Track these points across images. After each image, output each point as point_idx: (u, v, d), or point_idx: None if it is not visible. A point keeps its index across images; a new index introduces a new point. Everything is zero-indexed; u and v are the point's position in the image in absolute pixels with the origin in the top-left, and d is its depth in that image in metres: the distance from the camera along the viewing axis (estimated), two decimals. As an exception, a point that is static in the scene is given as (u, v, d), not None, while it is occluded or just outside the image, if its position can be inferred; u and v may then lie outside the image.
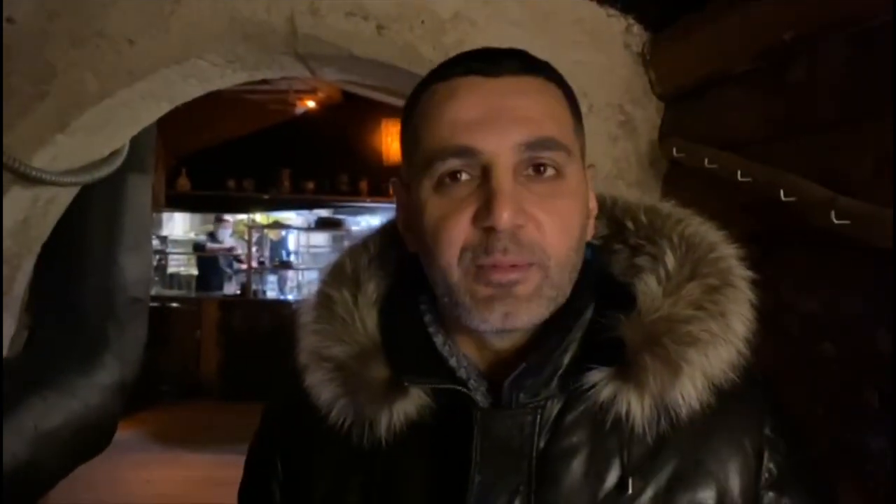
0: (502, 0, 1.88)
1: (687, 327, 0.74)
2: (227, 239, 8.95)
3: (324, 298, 0.85)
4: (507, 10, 1.88)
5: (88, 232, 2.43)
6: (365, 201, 8.93)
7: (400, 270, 0.86)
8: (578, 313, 0.77)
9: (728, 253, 0.80)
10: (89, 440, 2.33)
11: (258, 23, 1.90)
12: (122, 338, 2.48)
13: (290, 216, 9.66)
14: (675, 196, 1.77)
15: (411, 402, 0.77)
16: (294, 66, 2.08)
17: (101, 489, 4.39)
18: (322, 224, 9.34)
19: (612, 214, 0.86)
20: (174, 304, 7.83)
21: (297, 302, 0.89)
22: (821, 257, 1.30)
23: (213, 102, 2.39)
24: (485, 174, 0.71)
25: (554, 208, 0.73)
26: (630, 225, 0.84)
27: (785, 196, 1.24)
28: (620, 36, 1.90)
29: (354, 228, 9.62)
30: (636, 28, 1.89)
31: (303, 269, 9.34)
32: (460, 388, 0.76)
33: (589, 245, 0.81)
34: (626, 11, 1.88)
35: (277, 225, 9.49)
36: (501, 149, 0.71)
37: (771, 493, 0.77)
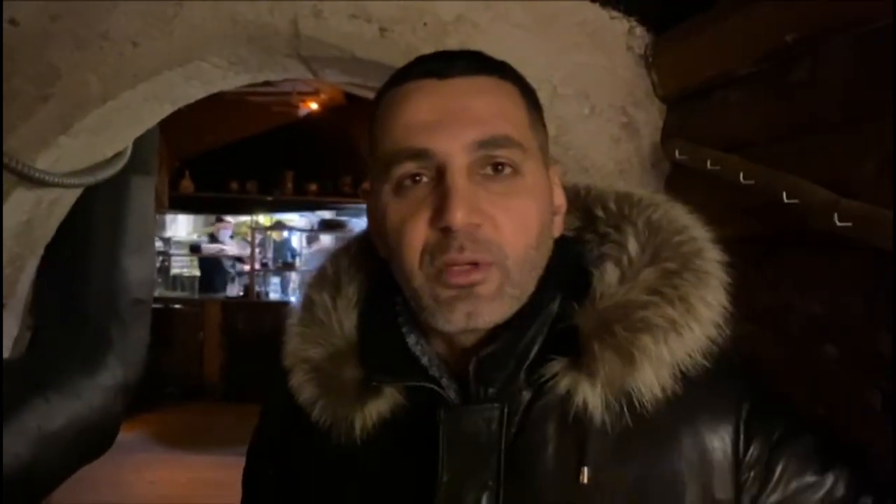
0: (505, 2, 1.88)
1: (641, 313, 0.73)
2: (226, 240, 8.97)
3: (307, 301, 0.87)
4: (509, 13, 1.88)
5: (92, 233, 2.44)
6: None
7: (378, 273, 0.86)
8: (542, 306, 0.77)
9: (697, 235, 0.79)
10: (92, 441, 2.33)
11: (261, 25, 1.91)
12: (125, 339, 2.48)
13: (292, 218, 9.67)
14: (677, 198, 1.77)
15: (385, 402, 0.78)
16: (297, 67, 2.08)
17: (104, 490, 4.39)
18: (325, 226, 9.35)
19: (584, 204, 0.86)
20: (177, 306, 7.85)
21: (292, 304, 0.91)
22: (823, 259, 1.29)
23: (216, 104, 2.40)
24: (439, 175, 0.72)
25: (511, 206, 0.73)
26: (600, 213, 0.84)
27: (787, 198, 1.24)
28: (623, 38, 1.90)
29: (357, 230, 9.62)
30: (638, 30, 1.89)
31: (306, 271, 9.31)
32: (430, 385, 0.76)
33: (563, 238, 0.82)
34: (628, 13, 1.88)
35: (280, 226, 9.51)
36: (454, 149, 0.71)
37: (754, 472, 0.75)
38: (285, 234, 9.65)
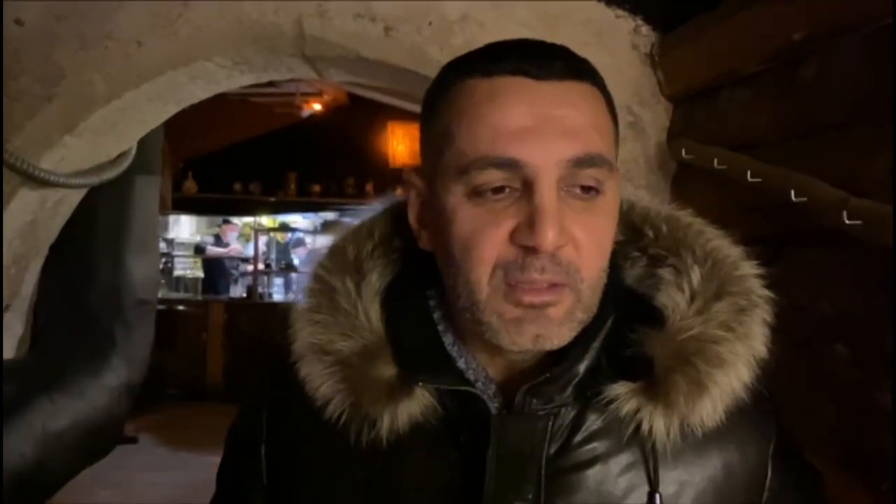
0: (510, 2, 1.88)
1: (717, 348, 0.73)
2: (233, 242, 8.98)
3: (324, 286, 0.81)
4: (515, 12, 1.88)
5: (96, 233, 2.44)
6: (371, 204, 8.92)
7: (404, 261, 0.82)
8: (600, 324, 0.74)
9: (750, 272, 0.78)
10: (96, 441, 2.33)
11: (266, 25, 1.90)
12: (129, 339, 2.48)
13: (296, 219, 9.68)
14: (684, 197, 1.77)
15: (416, 403, 0.75)
16: (301, 67, 2.08)
17: (106, 491, 4.39)
18: (329, 226, 9.35)
19: (628, 220, 0.82)
20: (180, 307, 7.84)
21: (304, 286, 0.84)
22: (832, 258, 1.29)
23: (219, 105, 2.39)
24: (527, 188, 0.67)
25: (592, 228, 0.69)
26: (650, 233, 0.81)
27: (796, 197, 1.23)
28: (628, 37, 1.90)
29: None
30: (644, 29, 1.89)
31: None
32: (474, 390, 0.74)
33: (612, 253, 0.78)
34: (634, 12, 1.88)
35: (286, 228, 9.51)
36: (547, 163, 0.66)
37: None
38: (289, 235, 9.66)
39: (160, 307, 4.02)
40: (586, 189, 0.68)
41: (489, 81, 0.70)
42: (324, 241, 0.88)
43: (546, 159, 0.66)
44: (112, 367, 2.40)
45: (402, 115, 7.82)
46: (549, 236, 0.65)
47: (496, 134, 0.67)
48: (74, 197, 2.26)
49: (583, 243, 0.68)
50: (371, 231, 0.84)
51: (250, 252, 9.00)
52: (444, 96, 0.73)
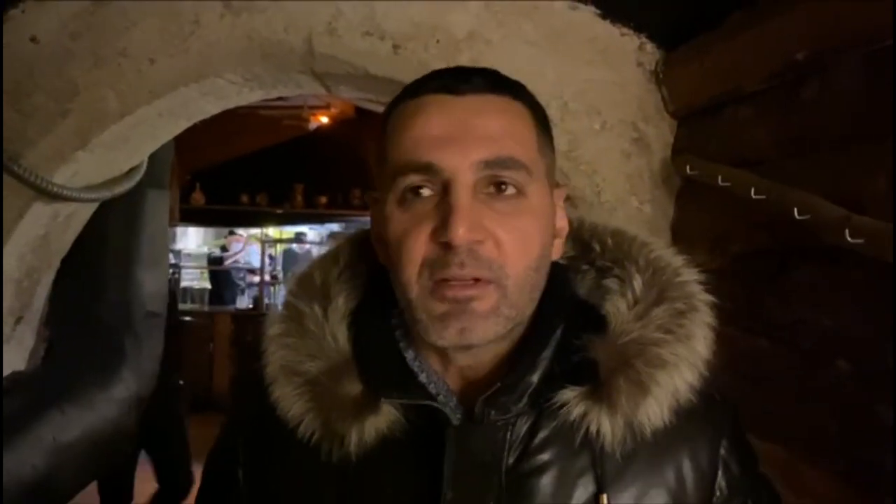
0: (516, 19, 1.91)
1: (657, 350, 0.76)
2: (237, 251, 9.01)
3: (293, 312, 0.85)
4: (521, 30, 1.90)
5: (107, 247, 2.46)
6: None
7: (370, 283, 0.86)
8: (550, 333, 0.79)
9: (692, 277, 0.83)
10: (106, 453, 2.35)
11: (276, 42, 1.93)
12: (139, 352, 2.50)
13: (302, 230, 9.71)
14: (688, 213, 1.78)
15: (383, 418, 0.77)
16: (311, 84, 2.11)
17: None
18: (334, 238, 9.38)
19: (578, 235, 0.88)
20: (187, 318, 7.87)
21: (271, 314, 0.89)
22: (834, 274, 1.30)
23: (227, 118, 2.42)
24: (445, 190, 0.73)
25: (514, 226, 0.74)
26: (597, 247, 0.86)
27: (799, 214, 1.25)
28: (633, 54, 1.92)
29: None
30: (649, 46, 1.91)
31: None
32: (435, 404, 0.77)
33: (556, 264, 0.83)
34: (638, 30, 1.90)
35: (299, 240, 9.55)
36: (461, 166, 0.72)
37: None
38: (294, 246, 9.69)
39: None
40: (502, 188, 0.74)
41: (416, 100, 0.77)
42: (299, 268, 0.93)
43: (460, 162, 0.72)
44: (122, 379, 2.42)
45: (409, 128, 7.83)
46: (459, 231, 0.70)
47: (417, 142, 0.74)
48: (86, 211, 2.28)
49: (504, 241, 0.73)
50: (336, 258, 0.90)
51: (256, 263, 9.03)
52: (385, 121, 0.81)
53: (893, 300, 1.11)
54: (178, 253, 9.08)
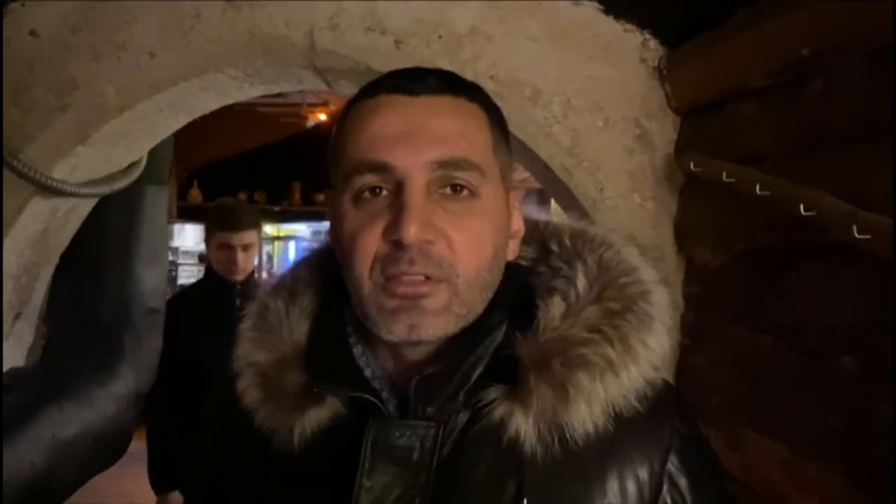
0: (519, 16, 1.90)
1: (580, 350, 0.74)
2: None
3: (261, 307, 0.88)
4: (523, 26, 1.90)
5: (106, 242, 2.45)
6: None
7: (333, 283, 0.87)
8: (488, 330, 0.78)
9: (645, 278, 0.80)
10: (105, 450, 2.34)
11: (277, 37, 1.92)
12: (138, 348, 2.49)
13: (300, 228, 9.70)
14: (692, 209, 1.78)
15: (325, 411, 0.78)
16: (312, 79, 2.10)
17: (110, 500, 4.39)
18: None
19: (541, 237, 0.88)
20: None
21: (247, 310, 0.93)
22: (838, 271, 1.30)
23: (225, 115, 2.41)
24: (398, 190, 0.73)
25: (466, 226, 0.74)
26: (554, 248, 0.85)
27: (805, 210, 1.24)
28: (636, 51, 1.91)
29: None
30: (652, 43, 1.90)
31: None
32: (368, 396, 0.77)
33: (516, 265, 0.84)
34: (641, 27, 1.90)
35: (288, 237, 9.53)
36: (414, 166, 0.73)
37: None
38: (291, 243, 9.69)
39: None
40: (455, 189, 0.74)
41: (372, 100, 0.79)
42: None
43: (413, 162, 0.73)
44: (121, 375, 2.41)
45: (407, 125, 7.85)
46: (410, 230, 0.70)
47: (372, 141, 0.75)
48: (85, 206, 2.27)
49: (456, 241, 0.73)
50: (311, 259, 0.93)
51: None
52: (341, 120, 0.82)
53: (893, 295, 1.10)
54: (175, 250, 9.06)
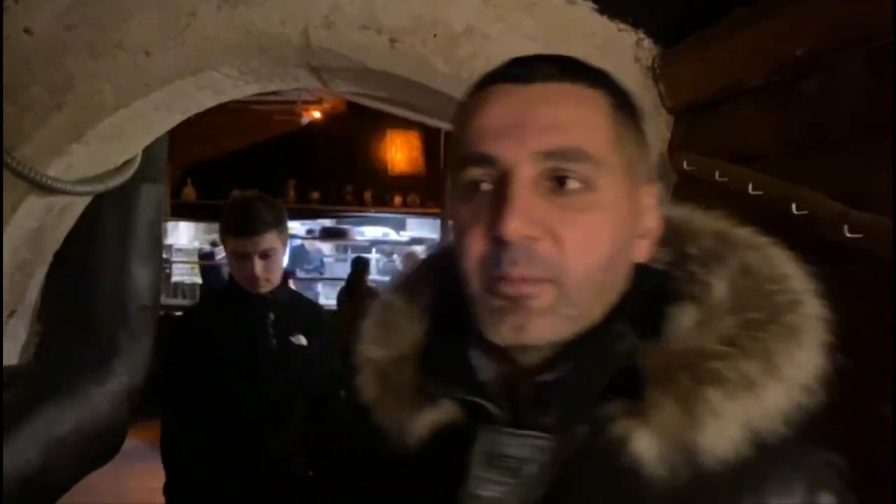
0: (515, 14, 1.91)
1: (712, 363, 0.66)
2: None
3: (383, 304, 0.85)
4: (519, 24, 1.90)
5: (101, 240, 2.45)
6: (369, 211, 8.97)
7: (454, 280, 0.81)
8: (610, 338, 0.71)
9: (797, 286, 0.71)
10: (100, 447, 2.34)
11: (273, 35, 1.93)
12: (132, 345, 2.49)
13: (294, 226, 9.68)
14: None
15: (440, 412, 0.75)
16: (307, 78, 2.10)
17: (105, 498, 4.38)
18: (326, 234, 9.37)
19: (679, 239, 0.79)
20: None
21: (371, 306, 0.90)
22: (833, 270, 1.30)
23: (219, 113, 2.41)
24: (502, 183, 0.68)
25: (578, 222, 0.68)
26: (693, 250, 0.76)
27: (797, 210, 1.25)
28: (631, 50, 1.92)
29: (358, 238, 9.69)
30: (646, 42, 1.91)
31: (305, 279, 9.34)
32: (478, 400, 0.72)
33: (646, 268, 0.76)
34: (636, 26, 1.90)
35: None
36: (519, 157, 0.68)
37: None
38: (305, 243, 9.67)
39: (159, 313, 4.02)
40: (565, 181, 0.68)
41: (483, 91, 0.73)
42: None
43: (518, 153, 0.68)
44: (116, 372, 2.41)
45: (401, 124, 7.85)
46: (510, 226, 0.65)
47: (478, 134, 0.70)
48: (80, 204, 2.27)
49: (564, 237, 0.67)
50: (433, 258, 0.89)
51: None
52: (456, 114, 0.77)
53: (893, 296, 1.11)
54: (169, 248, 9.04)
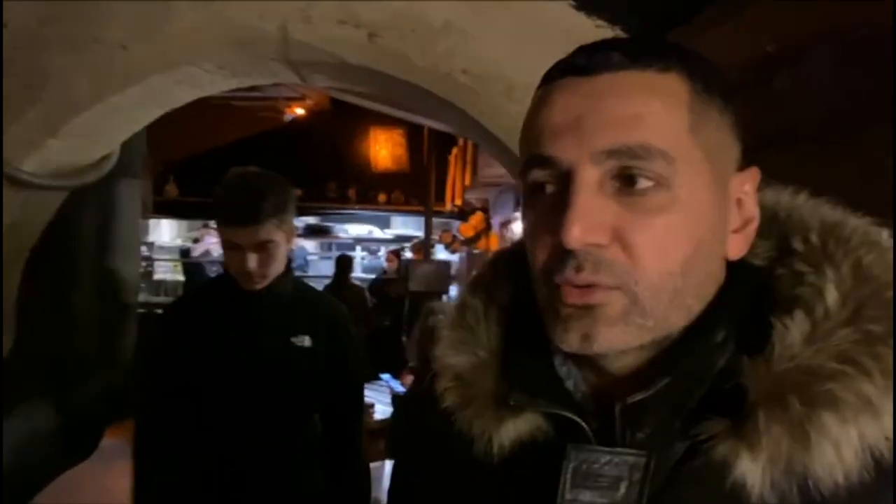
0: (493, 10, 1.91)
1: (827, 385, 0.59)
2: (211, 246, 8.95)
3: (461, 304, 0.81)
4: (497, 20, 1.91)
5: (79, 237, 2.43)
6: (353, 208, 8.95)
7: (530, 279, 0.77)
8: (710, 349, 0.66)
9: None
10: (76, 445, 2.33)
11: (250, 30, 1.92)
12: (111, 343, 2.48)
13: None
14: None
15: (525, 423, 0.71)
16: (285, 72, 2.10)
17: (87, 496, 4.36)
18: (310, 231, 9.35)
19: (782, 231, 0.71)
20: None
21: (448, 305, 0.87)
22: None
23: (201, 109, 2.40)
24: (564, 186, 0.64)
25: (650, 225, 0.62)
26: (798, 246, 0.68)
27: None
28: (608, 46, 1.93)
29: (342, 235, 9.68)
30: (623, 39, 1.92)
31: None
32: (568, 414, 0.68)
33: (747, 266, 0.70)
34: (612, 23, 1.91)
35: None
36: (580, 157, 0.63)
37: None
38: None
39: (140, 311, 4.00)
40: (633, 181, 0.62)
41: (546, 86, 0.68)
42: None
43: (578, 153, 0.63)
44: (93, 370, 2.40)
45: (385, 121, 7.85)
46: (572, 232, 0.61)
47: (539, 134, 0.66)
48: (56, 199, 2.25)
49: (634, 242, 0.62)
50: (510, 252, 0.83)
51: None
52: (526, 116, 0.72)
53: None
54: (151, 245, 8.99)
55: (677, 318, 0.65)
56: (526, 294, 0.75)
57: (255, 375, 1.89)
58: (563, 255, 0.63)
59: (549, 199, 0.65)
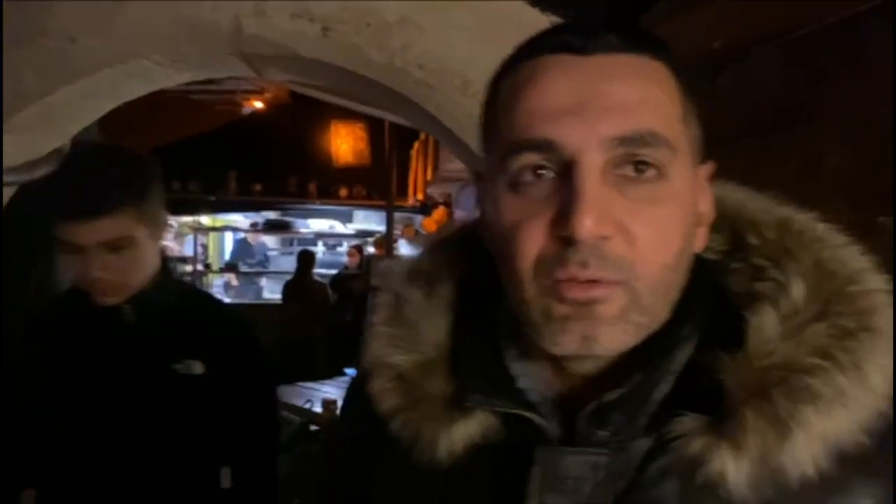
0: (449, 5, 1.92)
1: (806, 380, 0.59)
2: (169, 241, 8.83)
3: (395, 298, 0.75)
4: (454, 15, 1.92)
5: (28, 232, 2.38)
6: (314, 203, 8.90)
7: (478, 272, 0.74)
8: (677, 344, 0.65)
9: (875, 285, 0.64)
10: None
11: (203, 23, 1.90)
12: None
13: (236, 218, 9.56)
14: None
15: (476, 424, 0.67)
16: (239, 66, 2.08)
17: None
18: (270, 226, 9.28)
19: (733, 225, 0.71)
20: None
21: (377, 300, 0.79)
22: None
23: (158, 103, 2.37)
24: (566, 173, 0.60)
25: (652, 217, 0.60)
26: (754, 241, 0.68)
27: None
28: (563, 42, 1.95)
29: (303, 230, 9.62)
30: (577, 35, 1.94)
31: (249, 273, 9.24)
32: (528, 414, 0.65)
33: (701, 260, 0.68)
34: (566, 19, 1.93)
35: (224, 227, 9.40)
36: (588, 143, 0.59)
37: None
38: (248, 236, 9.54)
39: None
40: (639, 168, 0.60)
41: (532, 61, 0.64)
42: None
43: (585, 139, 0.59)
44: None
45: (345, 115, 7.81)
46: (585, 223, 0.57)
47: (532, 115, 0.61)
48: (5, 194, 2.21)
49: (638, 235, 0.59)
50: (447, 241, 0.79)
51: (189, 251, 8.86)
52: (495, 86, 0.68)
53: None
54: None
55: (664, 314, 0.63)
56: (473, 287, 0.73)
57: (122, 418, 1.45)
58: (564, 249, 0.59)
59: (543, 188, 0.61)
